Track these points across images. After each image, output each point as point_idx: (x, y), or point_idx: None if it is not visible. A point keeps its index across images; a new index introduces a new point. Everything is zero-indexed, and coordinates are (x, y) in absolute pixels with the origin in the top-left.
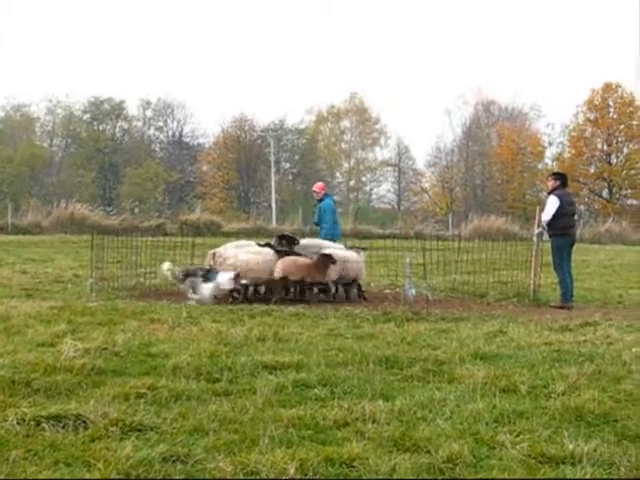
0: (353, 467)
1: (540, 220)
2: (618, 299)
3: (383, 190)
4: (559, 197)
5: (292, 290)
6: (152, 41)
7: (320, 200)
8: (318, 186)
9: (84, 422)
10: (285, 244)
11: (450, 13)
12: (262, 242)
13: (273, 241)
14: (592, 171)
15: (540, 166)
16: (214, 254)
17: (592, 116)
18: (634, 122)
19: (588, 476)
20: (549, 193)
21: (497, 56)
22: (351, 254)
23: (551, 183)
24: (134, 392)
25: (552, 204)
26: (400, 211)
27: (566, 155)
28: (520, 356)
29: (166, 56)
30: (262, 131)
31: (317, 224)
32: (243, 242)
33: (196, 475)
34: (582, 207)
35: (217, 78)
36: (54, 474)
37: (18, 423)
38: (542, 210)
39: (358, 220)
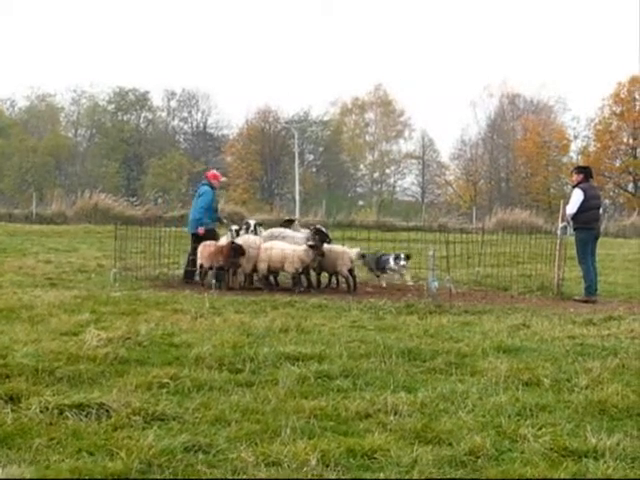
0: (375, 459)
1: (564, 214)
2: None
3: (407, 183)
4: (584, 190)
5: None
6: (177, 32)
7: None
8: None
9: (107, 411)
10: (318, 239)
11: (476, 4)
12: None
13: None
14: (617, 165)
15: (565, 159)
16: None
17: (618, 109)
18: None
19: (611, 470)
20: (574, 187)
21: (523, 48)
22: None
23: (575, 177)
24: (157, 382)
25: (576, 197)
26: (424, 204)
27: (591, 149)
28: (543, 349)
29: (191, 47)
30: (286, 122)
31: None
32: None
33: (218, 465)
34: (607, 201)
35: (242, 69)
36: (77, 462)
37: (41, 411)
38: (567, 204)
39: (382, 212)
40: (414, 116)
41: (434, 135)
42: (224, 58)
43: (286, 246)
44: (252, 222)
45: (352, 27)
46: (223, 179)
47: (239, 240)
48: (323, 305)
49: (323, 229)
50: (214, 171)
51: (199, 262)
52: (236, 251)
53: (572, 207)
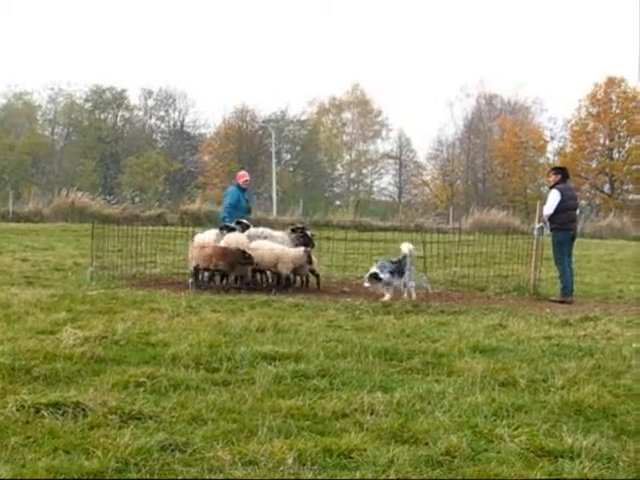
0: (351, 458)
1: (541, 214)
2: (618, 294)
3: (384, 182)
4: (561, 191)
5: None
6: (155, 30)
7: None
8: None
9: (83, 410)
10: (299, 238)
11: (453, 5)
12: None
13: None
14: (594, 166)
15: (542, 160)
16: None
17: (594, 110)
18: (636, 117)
19: (586, 470)
20: (551, 187)
21: (500, 49)
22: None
23: (552, 177)
24: (133, 381)
25: (553, 198)
26: (401, 204)
27: (568, 149)
28: (520, 350)
29: (168, 46)
30: (263, 122)
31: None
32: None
33: (194, 464)
34: (583, 202)
35: (219, 68)
36: (53, 461)
37: (17, 410)
38: (543, 204)
39: (359, 212)
40: (391, 116)
41: (411, 135)
42: (201, 57)
43: (277, 246)
44: (246, 222)
45: (330, 27)
46: (246, 178)
47: (230, 239)
48: (300, 305)
49: (308, 233)
50: (242, 171)
51: (193, 262)
52: (246, 258)
53: (549, 208)
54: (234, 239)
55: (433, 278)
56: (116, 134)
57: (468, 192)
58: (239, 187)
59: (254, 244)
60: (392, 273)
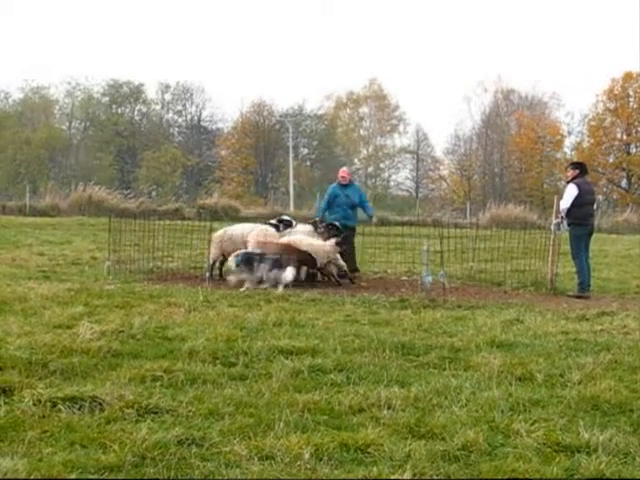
0: (368, 453)
1: (558, 209)
2: (635, 289)
3: (401, 177)
4: (578, 186)
5: None
6: (172, 25)
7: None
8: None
9: (100, 404)
10: (328, 231)
11: (471, 0)
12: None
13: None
14: (611, 161)
15: (559, 155)
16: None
17: (612, 105)
18: None
19: (603, 466)
20: (568, 182)
21: (517, 44)
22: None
23: (570, 172)
24: (150, 375)
25: (571, 193)
26: (418, 198)
27: (585, 144)
28: (536, 345)
29: (186, 40)
30: (281, 116)
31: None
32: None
33: (211, 458)
34: (600, 197)
35: (236, 63)
36: (70, 455)
37: (34, 404)
38: (561, 199)
39: (376, 207)
40: (409, 111)
41: (428, 130)
42: (219, 51)
43: (316, 241)
44: (288, 219)
45: (347, 21)
46: (343, 174)
47: (259, 232)
48: (317, 299)
49: (336, 223)
50: (343, 167)
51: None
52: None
53: (566, 202)
54: (263, 232)
55: (450, 273)
56: (133, 128)
57: (485, 187)
58: (339, 183)
59: (290, 239)
60: (239, 264)
